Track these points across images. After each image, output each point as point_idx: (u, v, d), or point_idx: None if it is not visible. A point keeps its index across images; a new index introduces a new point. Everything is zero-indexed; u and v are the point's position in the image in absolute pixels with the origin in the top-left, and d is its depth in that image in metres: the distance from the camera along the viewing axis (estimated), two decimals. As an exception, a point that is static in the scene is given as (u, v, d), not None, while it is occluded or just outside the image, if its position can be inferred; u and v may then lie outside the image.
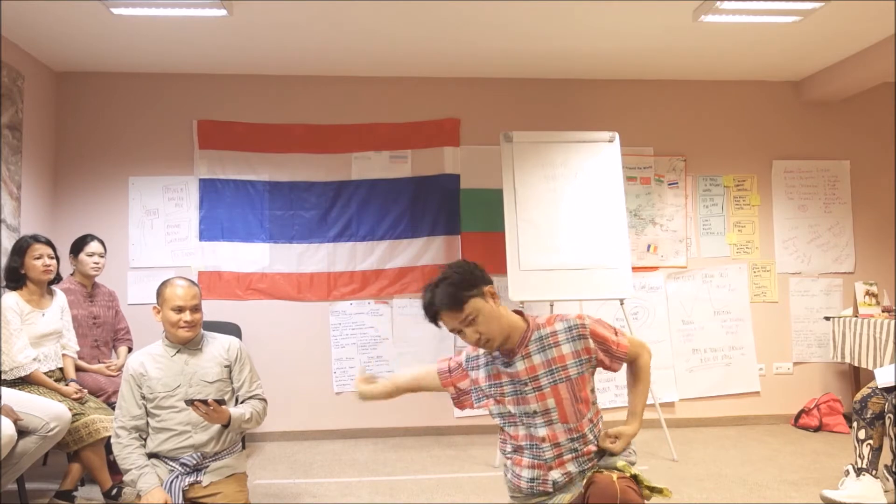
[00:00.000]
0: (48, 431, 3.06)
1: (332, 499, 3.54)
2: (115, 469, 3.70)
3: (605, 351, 2.10)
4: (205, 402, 2.47)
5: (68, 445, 3.25)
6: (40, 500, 3.41)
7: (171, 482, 2.54)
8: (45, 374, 3.40)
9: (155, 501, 2.46)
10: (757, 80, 5.32)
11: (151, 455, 2.63)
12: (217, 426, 2.62)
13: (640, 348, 2.18)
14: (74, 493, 3.36)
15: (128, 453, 2.58)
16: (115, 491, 3.36)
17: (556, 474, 2.03)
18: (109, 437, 3.33)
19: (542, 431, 2.04)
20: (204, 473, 2.62)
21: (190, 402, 2.48)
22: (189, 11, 3.80)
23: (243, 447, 2.84)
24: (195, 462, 2.61)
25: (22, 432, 3.01)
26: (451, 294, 1.98)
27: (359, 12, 3.96)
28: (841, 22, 4.13)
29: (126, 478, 2.59)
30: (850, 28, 4.24)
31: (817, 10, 3.85)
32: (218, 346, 2.77)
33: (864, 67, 4.65)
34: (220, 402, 2.52)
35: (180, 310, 2.65)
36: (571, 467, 2.04)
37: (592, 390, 2.13)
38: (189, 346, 2.72)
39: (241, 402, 2.75)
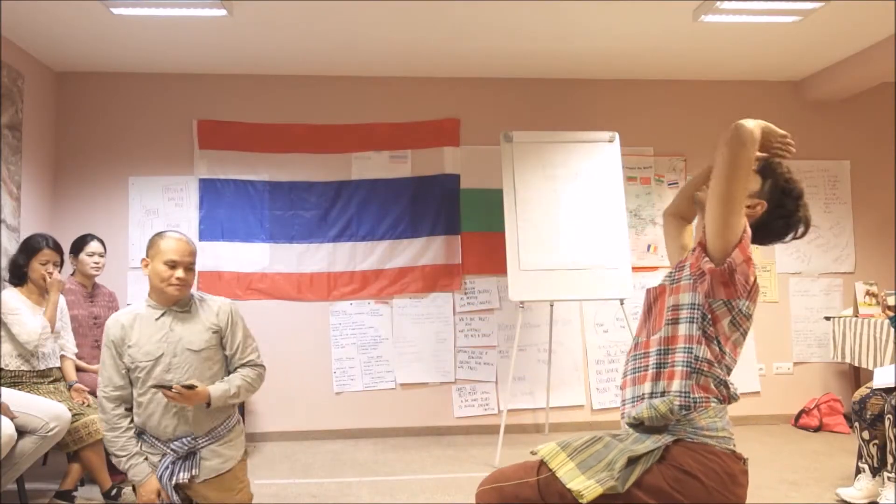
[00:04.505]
0: (48, 431, 3.06)
1: (332, 499, 3.54)
2: (114, 469, 3.71)
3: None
4: (168, 387, 2.29)
5: (68, 445, 3.25)
6: (40, 500, 3.41)
7: (161, 474, 2.39)
8: (42, 372, 3.41)
9: (149, 493, 2.36)
10: (757, 80, 5.32)
11: (140, 431, 2.45)
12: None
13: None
14: (74, 493, 3.36)
15: (115, 436, 2.40)
16: (114, 491, 3.36)
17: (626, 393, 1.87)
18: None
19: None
20: (198, 464, 2.42)
21: (158, 388, 2.33)
22: (189, 11, 3.80)
23: (242, 417, 2.58)
24: (187, 448, 2.41)
25: (22, 432, 3.01)
26: (772, 168, 1.87)
27: (359, 12, 3.96)
28: (841, 22, 4.13)
29: (114, 460, 2.43)
30: (850, 28, 4.24)
31: (817, 10, 3.85)
32: (207, 310, 2.52)
33: (864, 67, 4.65)
34: (189, 386, 2.30)
35: (174, 265, 2.42)
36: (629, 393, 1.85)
37: (674, 306, 1.80)
38: (176, 307, 2.48)
39: (233, 371, 2.54)
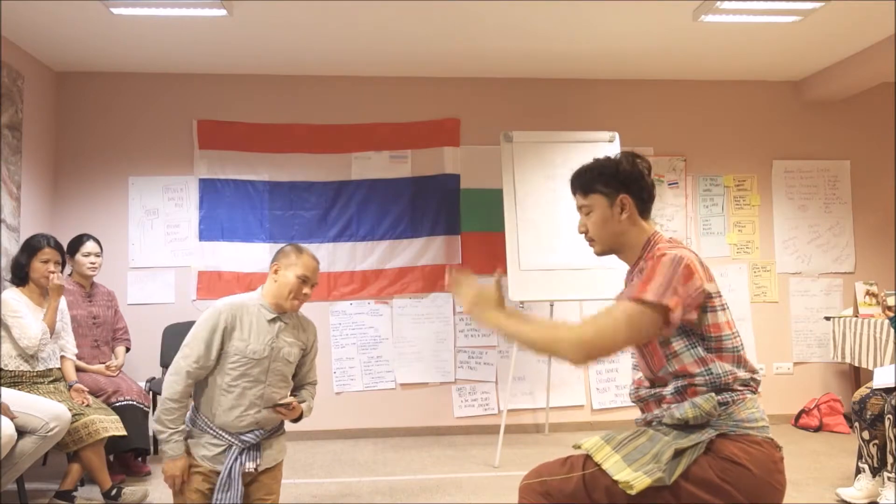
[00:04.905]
0: (48, 431, 3.06)
1: (332, 499, 3.54)
2: (114, 469, 3.71)
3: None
4: (287, 405, 2.52)
5: (68, 445, 3.25)
6: (40, 500, 3.41)
7: (232, 465, 2.46)
8: (42, 372, 3.41)
9: (175, 470, 2.43)
10: (757, 80, 5.32)
11: (203, 419, 2.50)
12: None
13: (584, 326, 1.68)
14: (74, 494, 3.36)
15: (176, 407, 2.42)
16: (114, 491, 3.36)
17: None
18: (109, 438, 3.34)
19: (636, 373, 1.94)
20: (261, 454, 2.55)
21: (272, 407, 2.52)
22: (189, 11, 3.80)
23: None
24: (256, 440, 2.52)
25: (22, 432, 3.02)
26: (583, 177, 1.92)
27: (358, 12, 3.96)
28: (841, 22, 4.13)
29: (157, 426, 2.45)
30: (850, 28, 4.24)
31: (817, 10, 3.85)
32: (302, 328, 2.67)
33: (864, 67, 4.65)
34: (300, 400, 2.60)
35: (305, 280, 2.52)
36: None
37: (665, 342, 1.77)
38: (285, 316, 2.59)
39: (300, 387, 2.74)
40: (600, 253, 1.96)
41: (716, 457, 1.68)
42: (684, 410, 1.73)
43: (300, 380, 2.73)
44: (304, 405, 2.65)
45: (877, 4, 3.87)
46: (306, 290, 2.54)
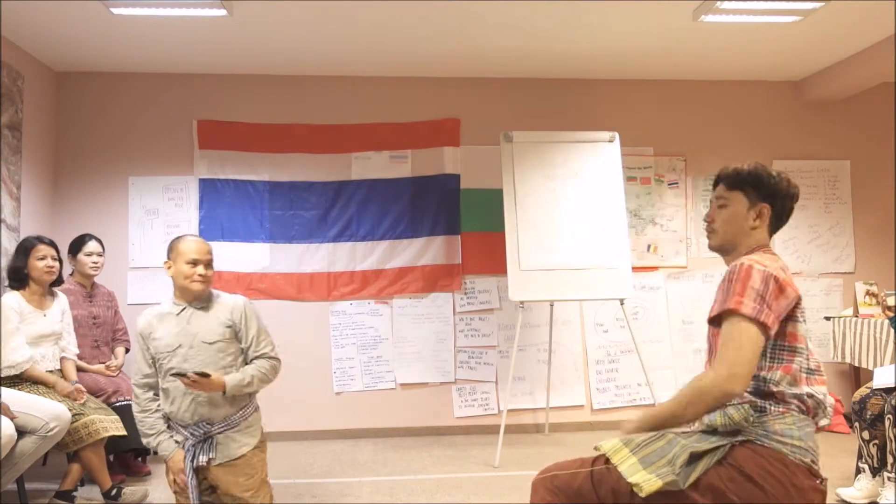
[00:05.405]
0: (48, 431, 3.06)
1: (332, 499, 3.54)
2: (114, 469, 3.71)
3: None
4: (184, 375, 2.48)
5: (68, 445, 3.25)
6: (40, 500, 3.41)
7: (185, 456, 2.58)
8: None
9: (176, 465, 2.58)
10: (757, 80, 5.32)
11: (167, 416, 2.67)
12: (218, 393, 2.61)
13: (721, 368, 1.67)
14: (74, 493, 3.36)
15: (144, 417, 2.65)
16: (114, 491, 3.36)
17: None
18: (109, 437, 3.35)
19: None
20: (214, 447, 2.59)
21: (176, 375, 2.53)
22: (189, 11, 3.80)
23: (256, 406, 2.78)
24: (203, 432, 2.59)
25: (22, 432, 3.02)
26: (737, 174, 1.96)
27: (358, 12, 3.96)
28: (841, 22, 4.13)
29: (143, 440, 2.67)
30: (850, 28, 4.24)
31: (817, 10, 3.85)
32: (222, 306, 2.73)
33: (864, 67, 4.65)
34: (203, 374, 2.48)
35: (195, 263, 2.64)
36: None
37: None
38: (195, 303, 2.69)
39: (249, 363, 2.72)
40: (714, 246, 1.98)
41: (728, 465, 1.64)
42: (714, 417, 1.71)
43: (248, 355, 2.74)
44: (229, 378, 2.58)
45: (877, 4, 3.87)
46: (200, 270, 2.64)
